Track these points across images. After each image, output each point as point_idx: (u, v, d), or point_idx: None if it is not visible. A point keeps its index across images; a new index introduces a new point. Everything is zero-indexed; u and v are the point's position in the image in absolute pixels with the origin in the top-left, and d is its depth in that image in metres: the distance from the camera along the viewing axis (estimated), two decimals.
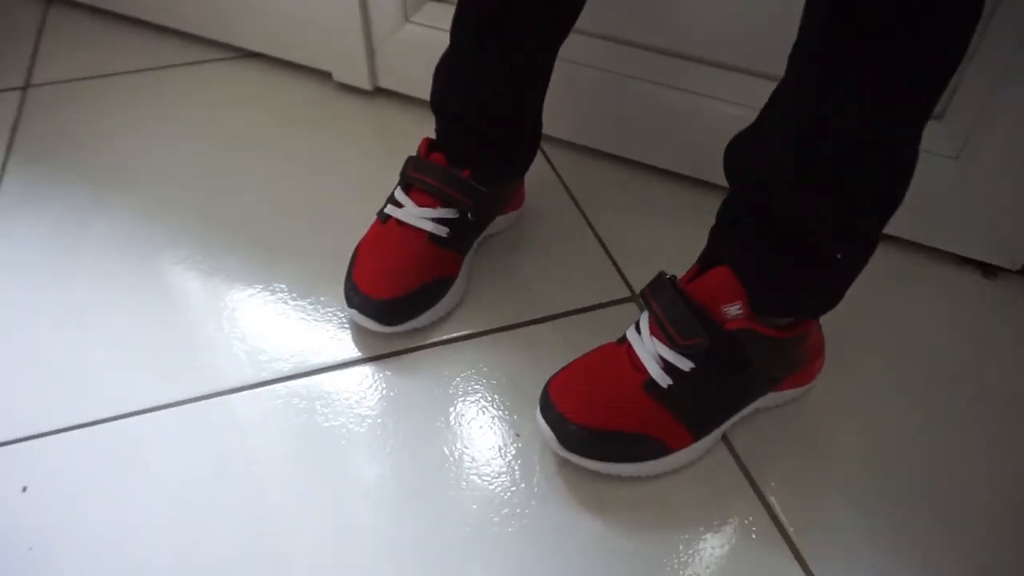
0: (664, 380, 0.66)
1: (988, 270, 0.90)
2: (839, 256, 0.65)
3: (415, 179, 0.79)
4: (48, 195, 0.93)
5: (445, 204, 0.78)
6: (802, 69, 0.59)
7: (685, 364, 0.66)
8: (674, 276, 0.69)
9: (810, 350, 0.73)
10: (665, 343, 0.67)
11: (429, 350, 0.79)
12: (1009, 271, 0.89)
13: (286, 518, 0.66)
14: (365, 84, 1.09)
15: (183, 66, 1.15)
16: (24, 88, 1.09)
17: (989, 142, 0.81)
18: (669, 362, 0.66)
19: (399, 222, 0.79)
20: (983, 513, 0.69)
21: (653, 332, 0.68)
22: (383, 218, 0.80)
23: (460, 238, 0.80)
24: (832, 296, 0.69)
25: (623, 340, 0.71)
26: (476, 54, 0.76)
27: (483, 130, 0.79)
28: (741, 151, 0.66)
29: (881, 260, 0.89)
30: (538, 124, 0.84)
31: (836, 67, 0.56)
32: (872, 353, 0.81)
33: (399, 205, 0.79)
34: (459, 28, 0.76)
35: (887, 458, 0.72)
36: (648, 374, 0.67)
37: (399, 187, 0.80)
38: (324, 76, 1.12)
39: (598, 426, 0.67)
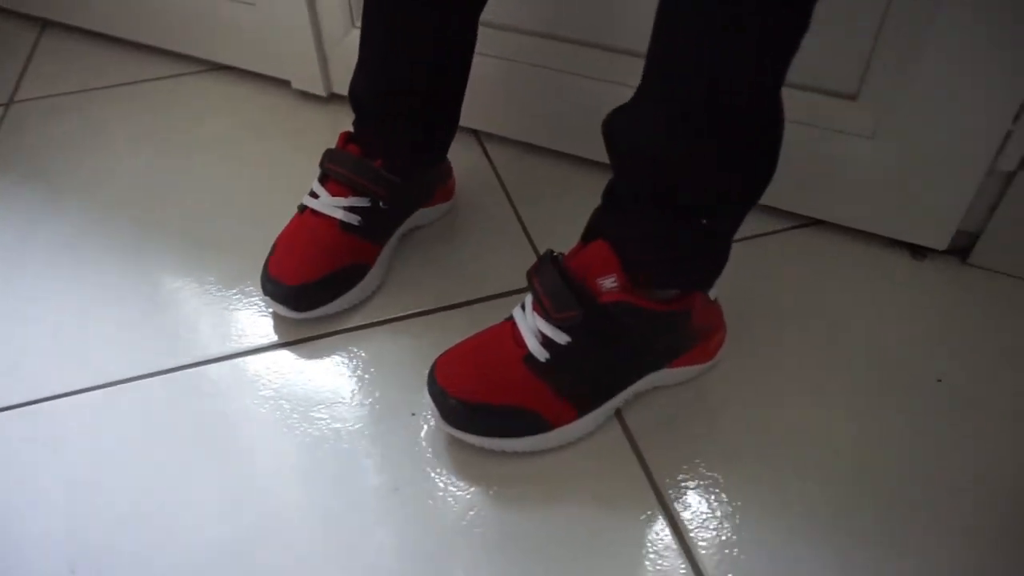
0: (542, 354, 0.67)
1: (917, 251, 0.88)
2: (705, 222, 0.65)
3: (330, 170, 0.82)
4: (5, 202, 1.00)
5: (357, 193, 0.81)
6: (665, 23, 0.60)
7: (561, 337, 0.67)
8: (561, 253, 0.71)
9: (704, 326, 0.73)
10: (543, 317, 0.68)
11: (342, 335, 0.82)
12: (937, 251, 0.87)
13: (182, 499, 0.69)
14: (320, 90, 1.14)
15: (157, 80, 1.22)
16: (7, 104, 1.17)
17: (903, 120, 0.80)
18: (547, 336, 0.68)
19: (313, 212, 0.82)
20: (888, 496, 0.68)
21: (534, 308, 0.69)
22: (300, 209, 0.83)
23: (374, 227, 0.83)
24: (707, 268, 0.69)
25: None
26: (381, 35, 0.79)
27: (392, 115, 0.82)
28: (616, 120, 0.66)
29: (807, 243, 0.90)
30: (450, 112, 0.86)
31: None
32: (791, 335, 0.80)
33: (315, 196, 0.82)
34: (366, 10, 0.79)
35: (790, 440, 0.72)
36: (528, 349, 0.68)
37: (317, 179, 0.84)
38: (285, 84, 1.17)
39: (478, 400, 0.68)
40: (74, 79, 1.22)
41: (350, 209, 0.81)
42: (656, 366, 0.73)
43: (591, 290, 0.67)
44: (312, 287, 0.79)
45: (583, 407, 0.70)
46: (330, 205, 0.81)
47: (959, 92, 0.76)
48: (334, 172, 0.81)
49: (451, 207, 0.95)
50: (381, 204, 0.82)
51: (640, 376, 0.72)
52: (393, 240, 0.87)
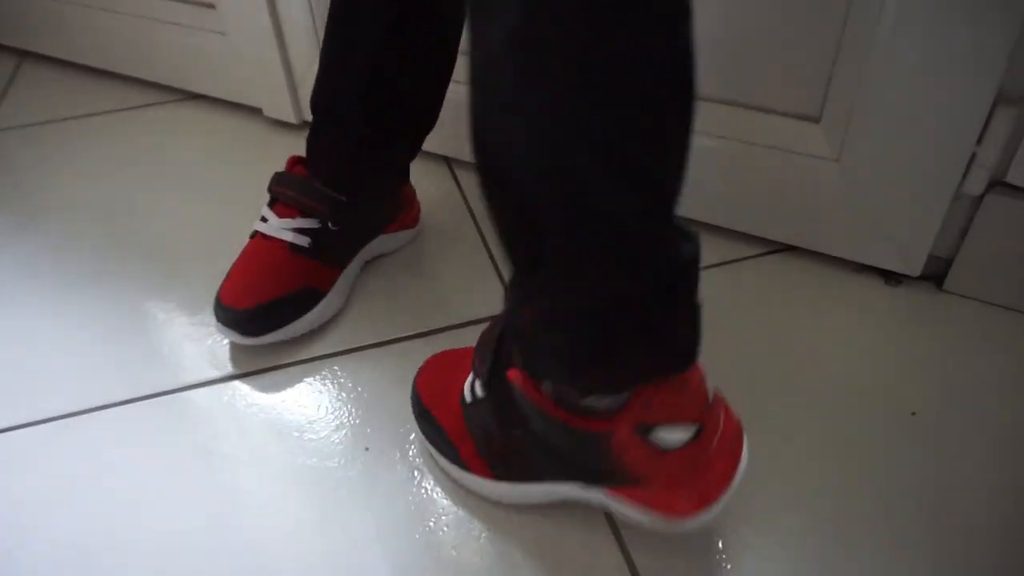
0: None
1: (890, 277, 0.86)
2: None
3: (276, 192, 0.81)
4: None
5: (304, 214, 0.80)
6: None
7: (478, 390, 0.62)
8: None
9: (640, 473, 0.55)
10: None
11: (298, 367, 0.80)
12: (911, 277, 0.85)
13: (123, 525, 0.67)
14: (291, 118, 1.13)
15: (131, 109, 1.21)
16: None
17: (867, 142, 0.79)
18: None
19: (263, 236, 0.81)
20: (863, 534, 0.65)
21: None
22: (252, 235, 0.82)
23: (326, 250, 0.81)
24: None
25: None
26: (328, 47, 0.78)
27: (329, 125, 0.81)
28: None
29: (777, 270, 0.88)
30: (396, 130, 0.82)
31: None
32: (759, 365, 0.78)
33: (264, 220, 0.81)
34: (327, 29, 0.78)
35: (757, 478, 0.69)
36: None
37: (266, 203, 0.82)
38: (257, 112, 1.17)
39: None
40: (51, 108, 1.22)
41: (298, 231, 0.80)
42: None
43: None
44: (262, 311, 0.78)
45: (500, 474, 0.63)
46: (278, 227, 0.80)
47: (920, 114, 0.74)
48: (281, 194, 0.80)
49: (416, 234, 0.94)
50: (330, 225, 0.80)
51: (572, 480, 0.60)
52: (353, 266, 0.86)
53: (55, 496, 0.70)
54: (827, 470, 0.69)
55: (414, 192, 0.92)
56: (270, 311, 0.78)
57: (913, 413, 0.73)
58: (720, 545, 0.64)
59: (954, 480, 0.68)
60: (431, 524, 0.66)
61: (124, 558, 0.65)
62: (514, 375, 0.55)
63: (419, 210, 0.93)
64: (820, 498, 0.67)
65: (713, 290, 0.85)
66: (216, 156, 1.11)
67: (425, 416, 0.67)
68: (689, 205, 0.80)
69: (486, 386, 0.60)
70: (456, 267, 0.91)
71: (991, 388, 0.75)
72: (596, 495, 0.59)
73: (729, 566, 0.63)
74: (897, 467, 0.69)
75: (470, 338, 0.70)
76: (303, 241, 0.79)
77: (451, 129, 0.95)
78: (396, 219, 0.89)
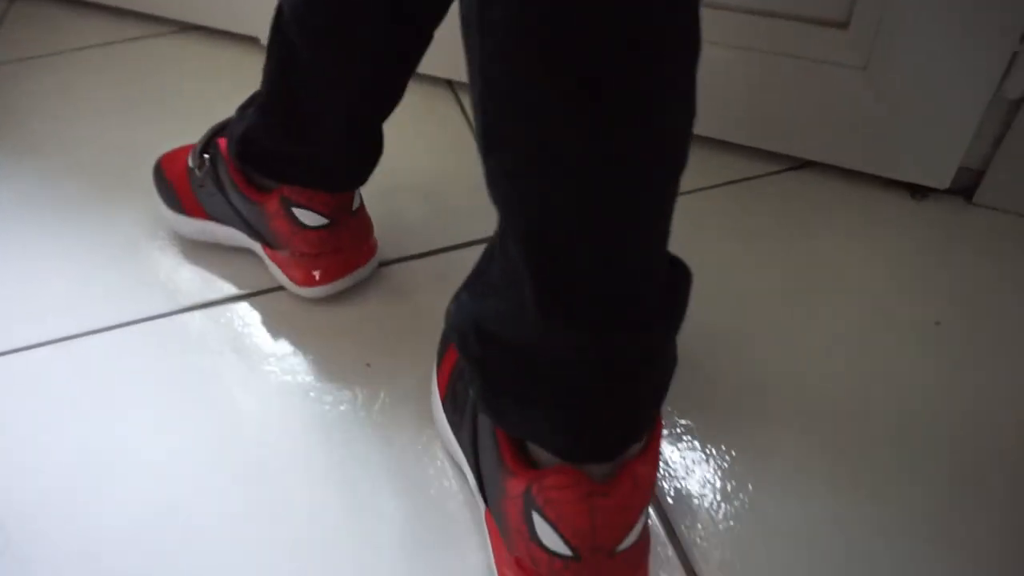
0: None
1: (917, 191, 0.82)
2: None
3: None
4: None
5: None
6: None
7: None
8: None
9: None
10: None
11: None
12: (939, 191, 0.81)
13: (123, 446, 0.65)
14: None
15: (127, 42, 1.18)
16: None
17: (898, 48, 0.74)
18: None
19: None
20: (881, 439, 0.62)
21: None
22: None
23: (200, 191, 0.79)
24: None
25: None
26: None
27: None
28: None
29: (798, 187, 0.84)
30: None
31: None
32: (779, 282, 0.74)
33: None
34: None
35: (775, 385, 0.66)
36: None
37: None
38: (254, 42, 1.13)
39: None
40: (46, 42, 1.18)
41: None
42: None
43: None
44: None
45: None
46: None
47: (958, 12, 0.70)
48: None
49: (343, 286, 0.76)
50: (197, 171, 0.76)
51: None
52: (236, 236, 0.79)
53: (54, 419, 0.67)
54: (846, 381, 0.66)
55: (360, 228, 0.75)
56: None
57: (937, 323, 0.69)
58: (733, 454, 0.61)
59: (977, 391, 0.64)
60: (431, 433, 0.64)
61: (125, 477, 0.63)
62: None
63: (347, 254, 0.74)
64: (838, 409, 0.64)
65: (731, 207, 0.82)
66: (212, 87, 1.07)
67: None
68: (708, 122, 0.77)
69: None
70: (458, 187, 0.87)
71: (1021, 299, 0.71)
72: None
73: (743, 469, 0.60)
74: (920, 376, 0.66)
75: (472, 256, 0.67)
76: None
77: (455, 50, 0.91)
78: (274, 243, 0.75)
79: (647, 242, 0.41)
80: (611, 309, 0.41)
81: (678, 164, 0.40)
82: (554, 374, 0.43)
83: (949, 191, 0.80)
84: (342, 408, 0.66)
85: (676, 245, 0.45)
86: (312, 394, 0.68)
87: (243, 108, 0.72)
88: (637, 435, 0.46)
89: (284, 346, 0.72)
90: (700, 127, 0.43)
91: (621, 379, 0.43)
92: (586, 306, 0.41)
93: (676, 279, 0.46)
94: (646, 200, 0.40)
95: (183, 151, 0.82)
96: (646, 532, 0.48)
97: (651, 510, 0.58)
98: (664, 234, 0.42)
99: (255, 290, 0.77)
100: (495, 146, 0.40)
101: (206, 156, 0.75)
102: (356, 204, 0.72)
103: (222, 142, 0.73)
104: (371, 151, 0.69)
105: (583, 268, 0.40)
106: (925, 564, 0.55)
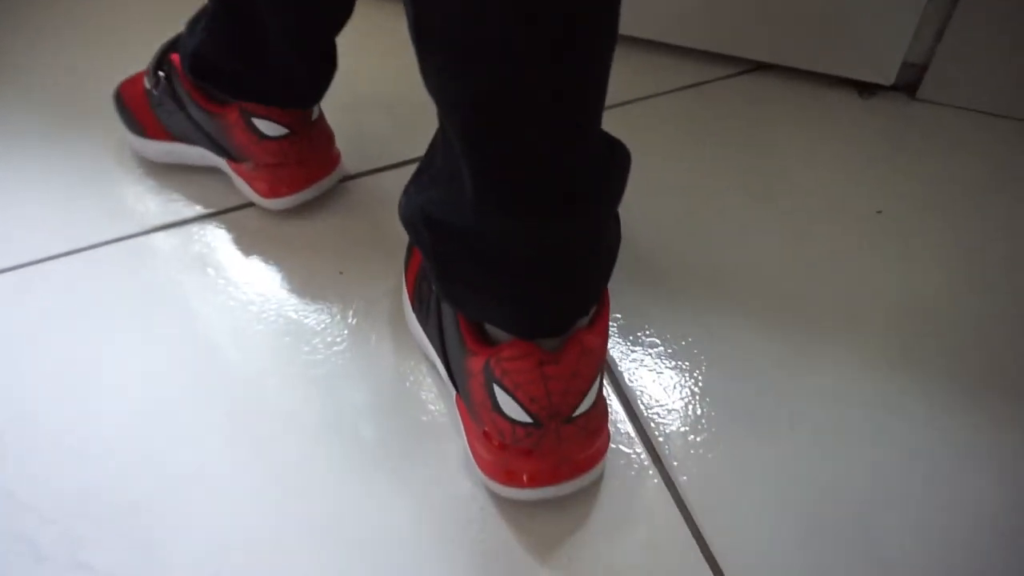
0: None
1: (864, 89, 0.84)
2: None
3: None
4: None
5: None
6: None
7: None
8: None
9: None
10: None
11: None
12: (884, 88, 0.83)
13: (97, 370, 0.67)
14: None
15: None
16: None
17: None
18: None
19: None
20: (815, 317, 0.66)
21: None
22: None
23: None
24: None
25: None
26: None
27: None
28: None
29: (751, 89, 0.86)
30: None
31: None
32: (732, 179, 0.77)
33: None
34: None
35: (718, 277, 0.70)
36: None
37: None
38: None
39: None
40: None
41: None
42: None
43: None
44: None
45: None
46: None
47: None
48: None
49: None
50: (154, 91, 0.78)
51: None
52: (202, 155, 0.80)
53: (26, 342, 0.69)
54: (792, 267, 0.70)
55: (320, 139, 0.77)
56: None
57: (879, 212, 0.73)
58: (690, 339, 0.65)
59: (913, 276, 0.69)
60: (405, 331, 0.67)
61: (100, 399, 0.65)
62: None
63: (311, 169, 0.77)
64: (784, 291, 0.68)
65: (686, 111, 0.84)
66: (166, 16, 1.05)
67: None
68: (660, 27, 0.79)
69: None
70: (420, 98, 0.88)
71: (963, 191, 0.75)
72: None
73: (696, 351, 0.64)
74: (862, 262, 0.70)
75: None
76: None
77: None
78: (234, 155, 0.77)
79: (578, 124, 0.43)
80: (546, 192, 0.44)
81: (605, 42, 0.42)
82: (498, 258, 0.46)
83: (894, 88, 0.83)
84: (318, 314, 0.69)
85: (631, 150, 0.47)
86: (289, 302, 0.70)
87: (192, 23, 0.72)
88: (583, 310, 0.49)
89: (256, 261, 0.74)
90: (651, 32, 0.45)
91: (561, 260, 0.46)
92: (522, 191, 0.43)
93: (613, 159, 0.49)
94: (575, 82, 0.42)
95: (141, 75, 0.82)
96: (602, 401, 0.52)
97: (611, 391, 0.62)
98: (596, 114, 0.44)
99: (224, 207, 0.79)
100: (427, 38, 0.41)
101: (160, 74, 0.76)
102: (315, 115, 0.73)
103: (175, 57, 0.74)
104: (325, 67, 0.70)
105: (517, 153, 0.42)
106: (855, 424, 0.60)
